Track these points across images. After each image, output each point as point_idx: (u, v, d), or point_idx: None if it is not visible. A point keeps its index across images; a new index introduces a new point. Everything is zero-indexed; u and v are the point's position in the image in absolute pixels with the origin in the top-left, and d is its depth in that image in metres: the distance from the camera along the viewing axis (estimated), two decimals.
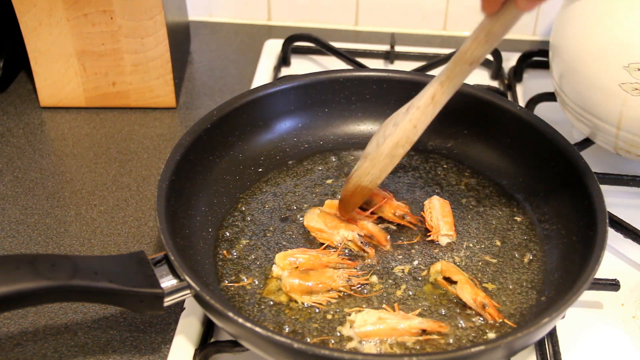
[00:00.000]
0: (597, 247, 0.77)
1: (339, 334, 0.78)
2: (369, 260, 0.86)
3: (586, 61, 0.94)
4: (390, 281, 0.84)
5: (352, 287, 0.82)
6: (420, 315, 0.79)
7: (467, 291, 0.81)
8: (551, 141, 0.90)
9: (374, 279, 0.84)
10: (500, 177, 0.97)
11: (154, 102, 1.16)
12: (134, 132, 1.12)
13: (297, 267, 0.83)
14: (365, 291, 0.82)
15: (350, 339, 0.77)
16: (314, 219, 0.89)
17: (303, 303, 0.81)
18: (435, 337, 0.77)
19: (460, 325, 0.79)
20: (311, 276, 0.82)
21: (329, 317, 0.80)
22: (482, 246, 0.88)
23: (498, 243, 0.89)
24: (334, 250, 0.86)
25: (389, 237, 0.88)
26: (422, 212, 0.92)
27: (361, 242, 0.86)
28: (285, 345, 0.68)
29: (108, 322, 0.84)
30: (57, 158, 1.08)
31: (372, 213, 0.90)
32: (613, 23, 0.92)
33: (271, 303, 0.81)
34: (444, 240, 0.88)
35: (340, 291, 0.82)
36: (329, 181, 0.97)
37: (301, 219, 0.91)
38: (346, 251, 0.87)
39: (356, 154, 1.01)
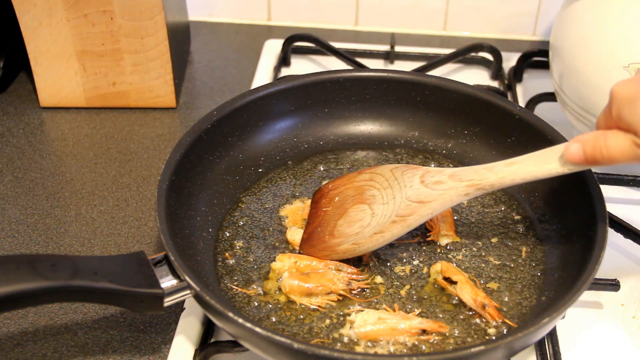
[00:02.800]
0: (597, 247, 0.77)
1: (338, 334, 0.78)
2: (368, 262, 0.86)
3: (586, 61, 0.94)
4: (391, 281, 0.84)
5: (352, 291, 0.82)
6: (420, 315, 0.79)
7: (467, 291, 0.81)
8: (551, 141, 0.90)
9: (379, 279, 0.84)
10: None
11: (154, 102, 1.16)
12: (134, 132, 1.12)
13: (297, 269, 0.83)
14: (367, 293, 0.82)
15: (350, 339, 0.77)
16: (298, 234, 0.87)
17: (302, 304, 0.81)
18: (435, 337, 0.77)
19: (460, 325, 0.79)
20: (311, 278, 0.82)
21: (329, 317, 0.80)
22: (482, 246, 0.88)
23: (498, 243, 0.89)
24: None
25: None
26: None
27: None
28: (285, 345, 0.68)
29: (108, 322, 0.85)
30: (57, 158, 1.08)
31: None
32: (613, 23, 0.92)
33: (271, 303, 0.81)
34: (444, 240, 0.88)
35: (340, 294, 0.81)
36: (327, 181, 0.97)
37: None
38: None
39: (356, 154, 1.01)
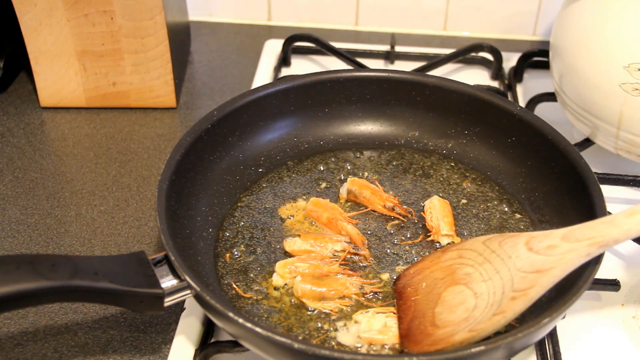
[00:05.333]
0: None
1: (341, 335, 0.78)
2: (367, 261, 0.86)
3: (586, 61, 0.94)
4: (392, 281, 0.84)
5: (365, 295, 0.82)
6: None
7: None
8: (551, 141, 0.90)
9: (386, 276, 0.84)
10: (500, 177, 0.97)
11: (154, 102, 1.16)
12: (134, 132, 1.12)
13: (296, 276, 0.83)
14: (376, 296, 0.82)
15: (351, 339, 0.77)
16: (296, 243, 0.87)
17: (314, 309, 0.80)
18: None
19: None
20: (324, 282, 0.81)
21: (334, 318, 0.80)
22: None
23: None
24: (335, 259, 0.86)
25: (366, 241, 0.88)
26: (422, 212, 0.92)
27: (353, 247, 0.86)
28: (285, 345, 0.68)
29: (108, 322, 0.85)
30: (57, 158, 1.08)
31: (363, 207, 0.91)
32: (613, 23, 0.92)
33: (271, 303, 0.81)
34: (444, 240, 0.88)
35: (352, 299, 0.81)
36: (326, 184, 0.97)
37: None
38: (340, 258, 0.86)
39: (356, 154, 1.01)
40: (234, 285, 0.83)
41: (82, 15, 1.06)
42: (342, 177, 0.97)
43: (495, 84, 1.22)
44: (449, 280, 0.77)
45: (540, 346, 0.81)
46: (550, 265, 0.71)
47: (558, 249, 0.72)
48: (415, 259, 0.86)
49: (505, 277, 0.73)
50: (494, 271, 0.74)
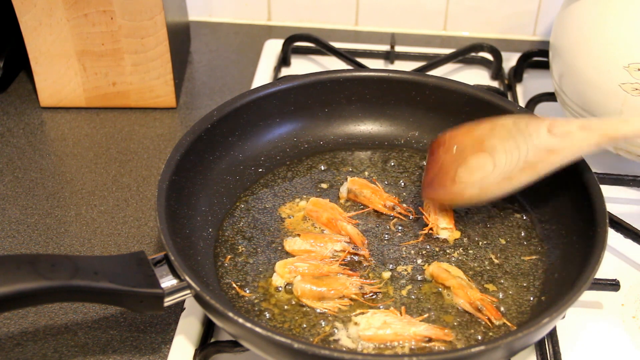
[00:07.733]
0: (597, 247, 0.77)
1: (340, 335, 0.78)
2: (367, 261, 0.86)
3: (586, 61, 0.94)
4: (392, 281, 0.84)
5: (365, 295, 0.82)
6: (425, 320, 0.79)
7: (461, 296, 0.80)
8: None
9: (387, 275, 0.84)
10: None
11: (154, 102, 1.16)
12: (134, 132, 1.12)
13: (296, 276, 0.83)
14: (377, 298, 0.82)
15: (352, 340, 0.77)
16: (296, 243, 0.87)
17: (315, 309, 0.80)
18: (440, 344, 0.77)
19: (460, 324, 0.79)
20: (323, 282, 0.81)
21: (332, 318, 0.80)
22: (483, 245, 0.88)
23: (498, 243, 0.89)
24: (335, 259, 0.86)
25: (366, 241, 0.88)
26: (420, 208, 0.92)
27: (353, 247, 0.86)
28: (285, 345, 0.68)
29: (108, 322, 0.85)
30: (57, 158, 1.08)
31: (363, 206, 0.92)
32: (613, 23, 0.92)
33: (271, 303, 0.81)
34: (443, 234, 0.88)
35: (352, 299, 0.81)
36: (326, 184, 0.97)
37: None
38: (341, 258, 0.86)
39: (356, 154, 1.01)
40: (234, 285, 0.83)
41: (82, 15, 1.06)
42: (342, 177, 0.97)
43: (495, 84, 1.22)
44: (477, 147, 0.85)
45: (540, 346, 0.81)
46: (561, 147, 0.79)
47: (573, 135, 0.79)
48: (416, 259, 0.86)
49: (523, 152, 0.81)
50: (515, 147, 0.82)
